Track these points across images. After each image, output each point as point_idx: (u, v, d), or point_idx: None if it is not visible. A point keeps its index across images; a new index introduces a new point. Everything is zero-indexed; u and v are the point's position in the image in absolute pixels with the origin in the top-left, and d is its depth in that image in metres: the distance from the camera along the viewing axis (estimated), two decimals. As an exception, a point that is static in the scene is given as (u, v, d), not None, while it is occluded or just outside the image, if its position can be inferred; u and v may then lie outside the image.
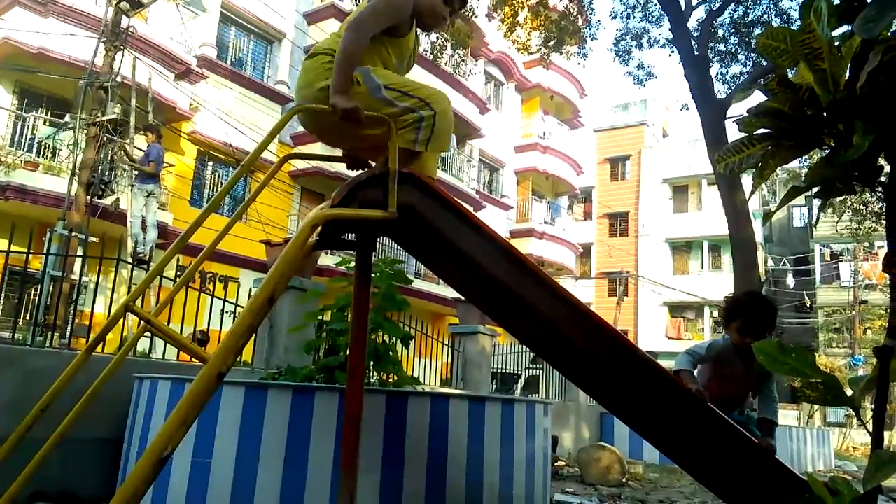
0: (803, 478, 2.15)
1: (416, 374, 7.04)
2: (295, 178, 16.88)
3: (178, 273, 9.03)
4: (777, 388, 3.31)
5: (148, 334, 5.49)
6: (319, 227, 2.18)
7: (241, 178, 2.22)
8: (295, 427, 3.09)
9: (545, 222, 24.90)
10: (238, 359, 5.75)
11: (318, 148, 16.18)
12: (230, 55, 16.70)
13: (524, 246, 22.96)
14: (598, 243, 32.75)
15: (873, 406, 1.36)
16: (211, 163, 16.15)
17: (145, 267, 8.41)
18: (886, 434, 19.37)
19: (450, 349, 9.01)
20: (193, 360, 2.62)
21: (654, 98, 34.76)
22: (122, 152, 10.21)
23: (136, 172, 9.69)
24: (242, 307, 3.71)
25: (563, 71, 24.99)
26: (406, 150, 2.33)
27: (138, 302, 5.68)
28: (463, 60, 15.40)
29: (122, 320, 5.26)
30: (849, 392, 1.45)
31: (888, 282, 1.32)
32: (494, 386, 11.14)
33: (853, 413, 1.50)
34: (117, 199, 10.64)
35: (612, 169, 33.88)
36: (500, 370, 11.77)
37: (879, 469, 1.26)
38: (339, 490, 2.58)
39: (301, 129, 16.89)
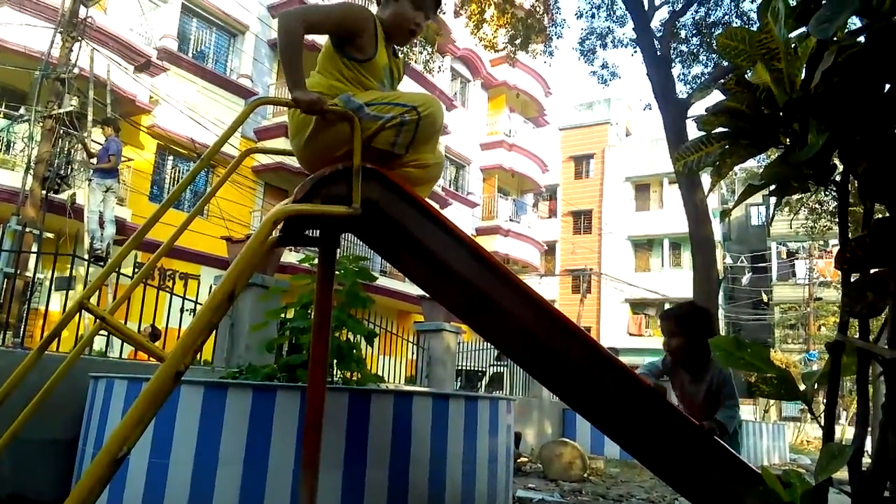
0: (758, 471, 2.20)
1: (380, 372, 7.02)
2: (258, 173, 16.65)
3: (137, 270, 8.83)
4: (735, 385, 3.27)
5: (104, 332, 5.37)
6: (281, 223, 2.15)
7: (200, 173, 2.17)
8: (255, 426, 3.04)
9: (511, 220, 25.04)
10: (198, 357, 5.67)
11: (281, 142, 16.01)
12: (192, 47, 16.39)
13: (490, 243, 23.05)
14: (563, 241, 33.06)
15: (825, 400, 1.39)
16: (171, 157, 15.83)
17: (102, 264, 8.21)
18: (838, 428, 19.96)
19: (415, 347, 9.00)
20: (151, 358, 2.56)
21: (617, 97, 35.22)
22: (81, 146, 9.95)
23: (94, 167, 9.45)
24: (202, 305, 3.64)
25: (530, 69, 25.15)
26: (385, 152, 2.31)
27: (95, 300, 5.53)
28: (431, 57, 15.36)
29: (78, 318, 5.13)
30: (802, 387, 1.48)
31: (841, 279, 1.35)
32: (459, 383, 11.16)
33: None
34: (74, 193, 10.36)
35: (576, 167, 34.22)
36: (464, 367, 11.80)
37: (830, 462, 1.29)
38: (299, 489, 2.55)
39: (265, 123, 16.72)
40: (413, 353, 9.17)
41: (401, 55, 2.68)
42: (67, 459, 3.86)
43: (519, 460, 7.63)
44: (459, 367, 10.89)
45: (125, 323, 5.38)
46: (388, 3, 2.55)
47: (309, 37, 2.31)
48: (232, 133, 2.15)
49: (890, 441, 1.24)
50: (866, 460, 1.25)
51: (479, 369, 12.48)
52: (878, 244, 1.27)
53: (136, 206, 13.66)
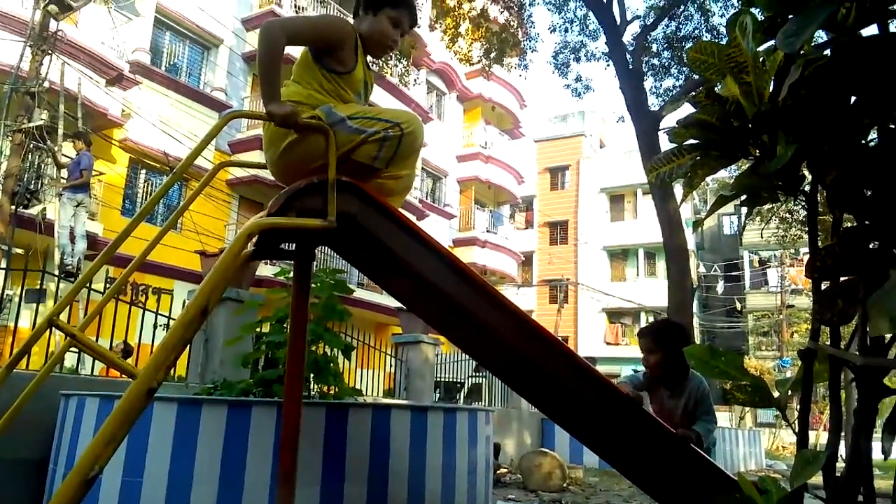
0: (734, 478, 2.22)
1: (358, 385, 6.97)
2: (233, 186, 16.51)
3: (109, 285, 8.69)
4: (712, 395, 3.29)
5: (75, 349, 5.27)
6: (255, 237, 2.13)
7: (172, 186, 2.14)
8: (231, 443, 3.00)
9: (488, 231, 25.12)
10: (172, 373, 5.57)
11: (256, 155, 15.90)
12: (165, 61, 16.24)
13: (467, 254, 23.08)
14: (540, 251, 33.25)
15: (798, 407, 1.40)
16: (144, 171, 15.64)
17: (73, 279, 8.06)
18: (812, 433, 20.24)
19: (393, 359, 8.96)
20: (124, 375, 2.52)
21: (591, 110, 35.65)
22: (52, 160, 9.78)
23: (65, 181, 9.29)
24: (175, 320, 3.61)
25: (504, 82, 25.33)
26: (364, 165, 2.30)
27: (66, 316, 5.43)
28: (406, 70, 15.41)
29: (49, 335, 5.02)
30: (776, 394, 1.50)
31: (812, 287, 1.37)
32: (438, 395, 11.12)
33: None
34: (44, 208, 10.17)
35: (552, 178, 34.49)
36: (443, 379, 11.77)
37: (804, 468, 1.30)
38: (277, 506, 2.52)
39: (239, 136, 16.61)
40: (391, 366, 9.13)
41: (372, 68, 2.69)
42: (38, 479, 3.77)
43: (498, 471, 7.61)
44: (438, 379, 10.86)
45: (97, 339, 5.28)
46: (366, 17, 2.55)
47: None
48: (205, 146, 2.13)
49: (862, 446, 1.26)
50: (840, 465, 1.27)
51: (458, 380, 12.46)
52: (847, 253, 1.29)
53: (108, 221, 13.46)
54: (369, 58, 2.66)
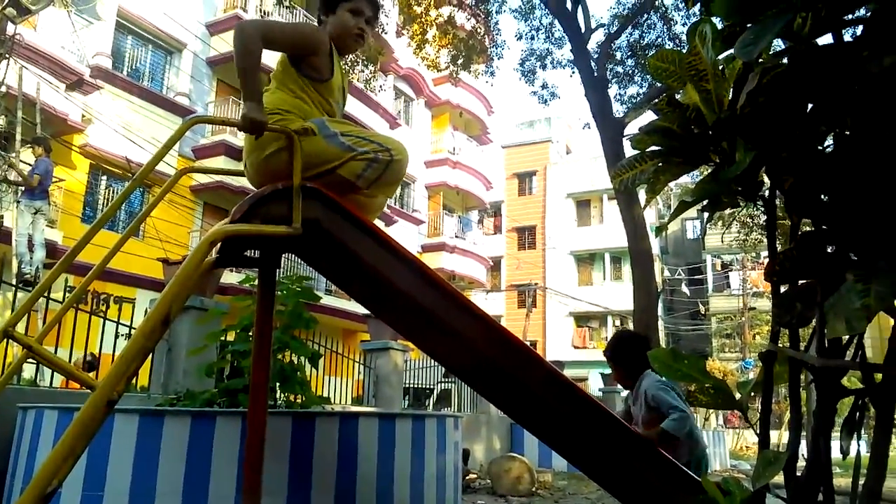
0: (698, 479, 2.25)
1: (327, 394, 6.90)
2: (197, 192, 16.26)
3: (69, 294, 8.48)
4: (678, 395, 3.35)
5: (33, 360, 5.13)
6: (219, 244, 2.10)
7: (133, 193, 2.10)
8: (194, 455, 2.94)
9: (456, 236, 25.16)
10: (134, 384, 5.44)
11: (220, 161, 15.71)
12: (127, 65, 15.95)
13: (436, 260, 23.08)
14: (508, 256, 33.43)
15: (760, 408, 1.43)
16: (105, 177, 15.32)
17: (31, 289, 7.84)
18: (775, 433, 20.67)
19: (361, 366, 8.90)
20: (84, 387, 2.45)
21: (557, 116, 36.03)
22: (9, 167, 9.51)
23: (23, 188, 9.04)
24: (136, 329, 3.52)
25: (472, 88, 25.45)
26: (346, 181, 2.31)
27: (24, 327, 5.28)
28: (373, 76, 15.37)
29: (6, 346, 4.88)
30: (738, 395, 1.52)
31: (772, 291, 1.40)
32: (407, 401, 11.09)
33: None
34: (1, 216, 9.89)
35: (519, 184, 34.74)
36: (412, 385, 11.75)
37: (766, 468, 1.32)
38: (242, 518, 2.47)
39: (203, 141, 16.39)
40: (360, 373, 9.06)
41: (345, 73, 2.69)
42: (-8, 497, 3.65)
43: (468, 477, 7.60)
44: (407, 385, 10.83)
45: (56, 350, 5.16)
46: (327, 20, 2.57)
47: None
48: (166, 152, 2.10)
49: (821, 445, 1.28)
50: (802, 464, 1.29)
51: (427, 387, 12.45)
52: (805, 257, 1.32)
53: (68, 229, 13.14)
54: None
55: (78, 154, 14.21)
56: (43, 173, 8.94)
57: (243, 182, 14.31)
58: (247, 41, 2.22)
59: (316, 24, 2.64)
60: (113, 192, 15.39)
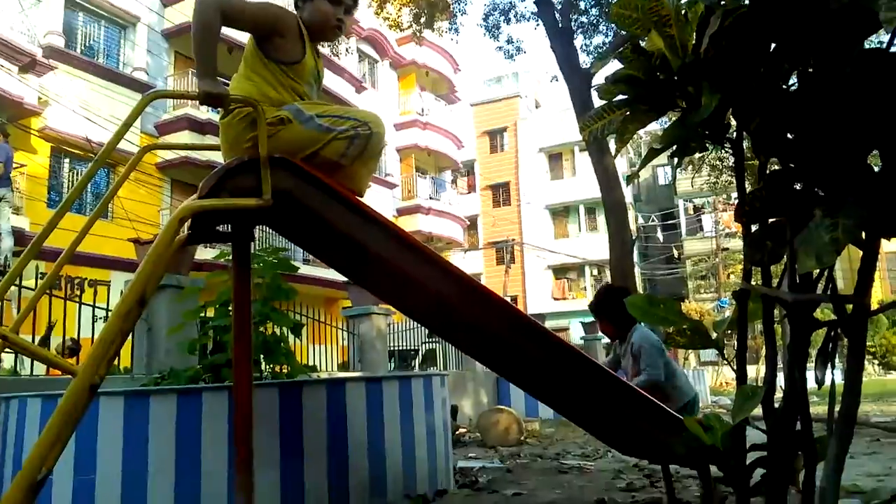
0: (681, 417, 2.31)
1: (312, 362, 6.92)
2: (163, 169, 15.95)
3: (41, 281, 8.33)
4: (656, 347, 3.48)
5: (10, 350, 5.06)
6: (188, 221, 2.07)
7: (96, 174, 2.05)
8: (184, 432, 2.94)
9: (431, 198, 25.08)
10: (117, 364, 5.40)
11: (185, 136, 15.39)
12: (80, 43, 15.41)
13: (412, 223, 23.04)
14: (484, 214, 33.47)
15: (736, 345, 1.47)
16: (68, 160, 14.94)
17: (0, 278, 7.69)
18: (752, 368, 21.25)
19: (345, 332, 8.93)
20: (65, 373, 2.43)
21: (525, 70, 35.71)
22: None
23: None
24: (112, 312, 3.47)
25: (437, 47, 25.07)
26: (331, 162, 2.29)
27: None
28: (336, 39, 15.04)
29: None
30: (714, 335, 1.56)
31: (742, 231, 1.42)
32: (393, 364, 11.18)
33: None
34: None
35: (490, 141, 34.58)
36: (397, 348, 11.83)
37: (745, 402, 1.36)
38: (236, 491, 2.49)
39: (165, 117, 16.01)
40: (344, 339, 9.10)
41: (319, 57, 2.63)
42: (-18, 489, 3.64)
43: (458, 432, 7.74)
44: (392, 348, 10.90)
45: (33, 338, 5.06)
46: (304, 6, 2.50)
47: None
48: (126, 130, 2.04)
49: (797, 377, 1.33)
50: (780, 395, 1.33)
51: (412, 348, 12.55)
52: (773, 196, 1.34)
53: (35, 215, 12.86)
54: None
55: (37, 138, 13.81)
56: (3, 160, 8.70)
57: (210, 156, 14.06)
58: (204, 15, 2.16)
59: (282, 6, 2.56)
60: (77, 175, 15.04)
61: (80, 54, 15.03)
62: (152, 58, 16.38)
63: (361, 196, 2.43)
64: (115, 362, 3.20)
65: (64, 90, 13.74)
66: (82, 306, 6.13)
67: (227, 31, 2.29)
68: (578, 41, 14.00)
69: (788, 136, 1.32)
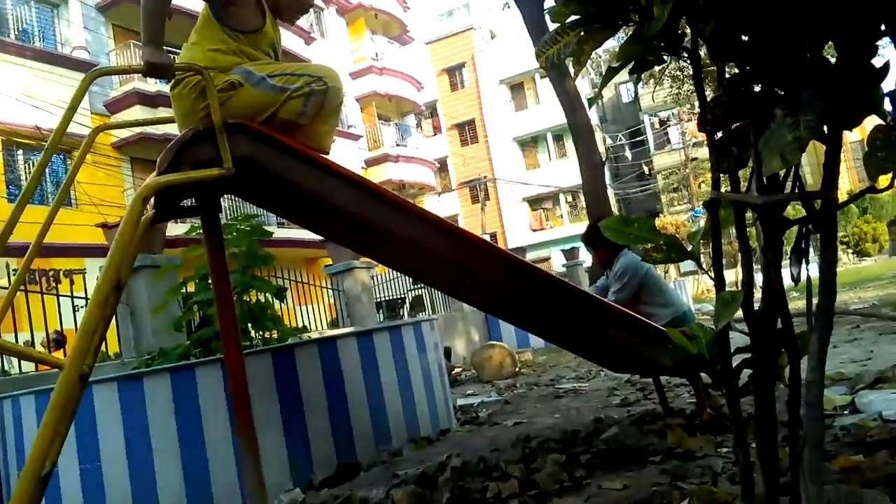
0: (664, 330, 2.36)
1: (302, 323, 6.95)
2: (119, 148, 15.50)
3: (13, 278, 8.18)
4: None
5: (-5, 352, 5.00)
6: (152, 200, 2.02)
7: (48, 162, 2.00)
8: (182, 408, 2.97)
9: (398, 145, 24.75)
10: (106, 350, 5.37)
11: (136, 111, 14.94)
12: (12, 28, 14.71)
13: (381, 172, 22.81)
14: (453, 155, 33.21)
15: (711, 254, 1.48)
16: (21, 151, 14.48)
17: (-28, 280, 7.54)
18: (731, 272, 21.73)
19: (330, 290, 8.94)
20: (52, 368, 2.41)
21: (475, 1, 34.83)
22: None
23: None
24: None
25: (381, -15, 24.34)
26: (289, 122, 2.24)
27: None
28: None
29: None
30: (689, 247, 1.57)
31: (707, 140, 1.42)
32: (381, 315, 11.26)
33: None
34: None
35: (450, 79, 34.01)
36: (384, 298, 11.89)
37: (725, 308, 1.39)
38: (242, 457, 2.53)
39: (114, 94, 15.49)
40: (330, 297, 9.12)
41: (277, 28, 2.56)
42: (-9, 490, 3.65)
43: (453, 372, 7.88)
44: (379, 300, 10.96)
45: (15, 335, 4.99)
46: None
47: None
48: (72, 113, 1.97)
49: (773, 277, 1.35)
50: (758, 296, 1.36)
51: (399, 297, 12.62)
52: (734, 101, 1.34)
53: (-5, 212, 12.54)
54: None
55: (-16, 132, 13.35)
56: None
57: (167, 129, 13.67)
58: None
59: None
60: (32, 166, 14.60)
61: (15, 39, 14.38)
62: (91, 34, 15.72)
63: (327, 153, 2.39)
64: (104, 348, 3.18)
65: (4, 79, 13.20)
66: (61, 298, 6.05)
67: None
68: (526, -36, 13.63)
69: (743, 38, 1.31)
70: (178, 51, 2.44)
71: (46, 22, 15.55)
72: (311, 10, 22.83)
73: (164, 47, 2.15)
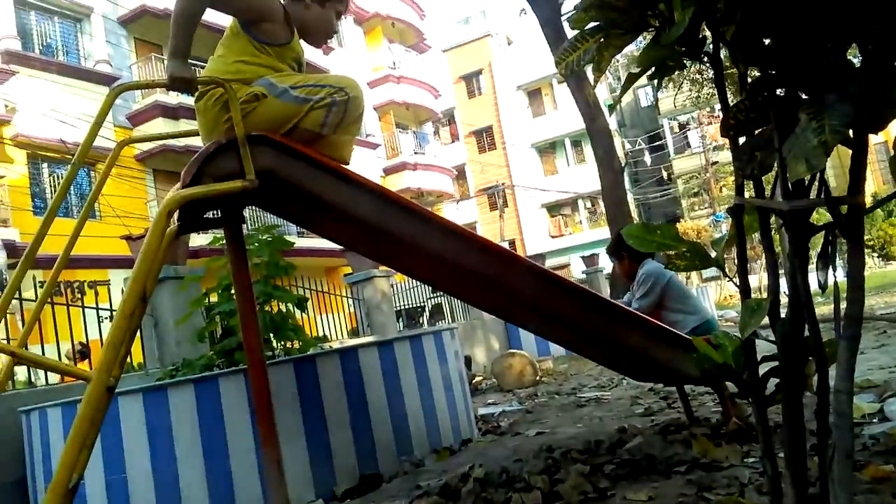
0: (690, 339, 2.33)
1: (322, 333, 6.97)
2: (142, 161, 15.73)
3: (40, 291, 8.31)
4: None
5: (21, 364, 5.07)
6: (176, 212, 2.05)
7: (76, 176, 2.03)
8: (206, 418, 2.99)
9: (416, 153, 24.83)
10: (130, 361, 5.43)
11: (158, 124, 15.14)
12: (37, 43, 15.02)
13: (399, 180, 22.88)
14: (471, 162, 33.23)
15: (736, 261, 1.47)
16: (46, 165, 14.75)
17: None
18: (754, 277, 21.46)
19: (350, 299, 8.97)
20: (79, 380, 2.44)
21: (492, 7, 34.95)
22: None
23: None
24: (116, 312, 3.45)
25: (398, -6, 24.49)
26: (312, 133, 2.27)
27: (3, 332, 5.18)
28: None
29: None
30: (713, 253, 1.56)
31: (730, 145, 1.40)
32: (402, 323, 11.27)
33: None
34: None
35: (467, 86, 34.08)
36: (403, 307, 11.91)
37: (751, 316, 1.37)
38: (265, 467, 2.54)
39: (136, 107, 15.72)
40: (350, 306, 9.15)
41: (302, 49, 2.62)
42: (20, 501, 3.70)
43: (474, 381, 7.85)
44: (398, 308, 10.98)
45: (42, 348, 5.07)
46: (312, 5, 2.50)
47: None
48: (98, 127, 2.00)
49: (800, 284, 1.33)
50: (785, 301, 1.33)
51: (418, 305, 12.62)
52: (757, 105, 1.32)
53: (23, 224, 12.76)
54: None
55: (11, 146, 13.60)
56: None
57: (189, 141, 13.84)
58: (192, 5, 2.16)
59: None
60: (57, 179, 14.86)
61: (39, 54, 14.68)
62: (113, 48, 16.00)
63: (346, 164, 2.41)
64: (128, 360, 3.22)
65: (29, 94, 13.46)
66: (86, 309, 6.14)
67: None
68: (542, -30, 13.63)
69: (765, 41, 1.30)
70: (203, 64, 2.47)
71: (70, 36, 15.85)
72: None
73: (189, 60, 2.18)
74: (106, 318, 5.78)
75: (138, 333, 4.69)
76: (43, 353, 5.24)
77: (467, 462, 2.99)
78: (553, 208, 31.91)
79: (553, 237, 31.29)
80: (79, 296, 11.13)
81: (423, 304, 12.82)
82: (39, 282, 8.67)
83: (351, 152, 2.46)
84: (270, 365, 2.78)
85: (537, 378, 7.23)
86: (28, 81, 13.81)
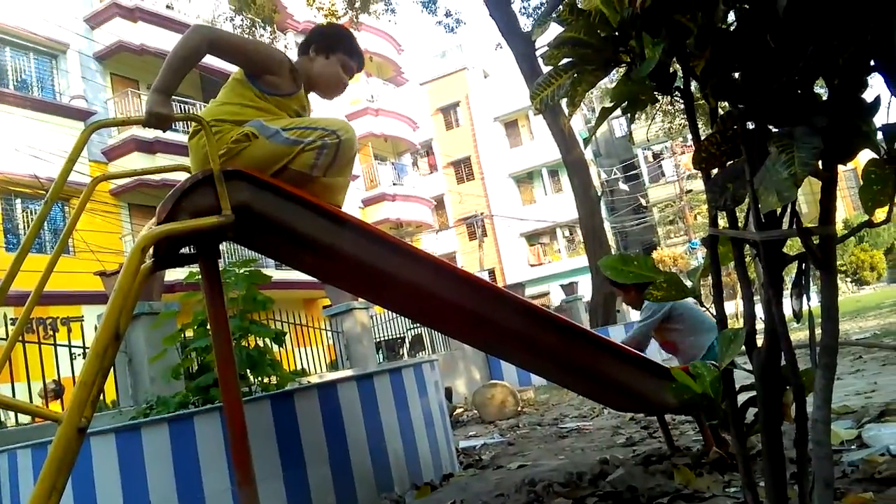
0: (667, 368, 2.34)
1: (301, 366, 6.88)
2: (117, 195, 15.57)
3: (11, 328, 8.13)
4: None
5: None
6: (150, 249, 2.02)
7: (49, 212, 2.00)
8: (181, 458, 2.91)
9: (394, 184, 24.91)
10: (103, 398, 5.30)
11: (134, 158, 15.05)
12: (11, 79, 14.92)
13: (378, 211, 22.92)
14: (449, 192, 33.42)
15: (712, 290, 1.48)
16: (20, 201, 14.54)
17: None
18: (732, 303, 21.67)
19: (329, 332, 8.89)
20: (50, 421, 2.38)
21: (468, 42, 35.54)
22: None
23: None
24: (89, 350, 3.39)
25: (376, 30, 24.71)
26: (302, 175, 2.27)
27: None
28: (273, 38, 14.74)
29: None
30: (689, 283, 1.57)
31: (703, 177, 1.43)
32: (381, 355, 11.18)
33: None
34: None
35: (445, 118, 34.45)
36: (383, 338, 11.83)
37: (728, 347, 1.38)
38: (243, 508, 2.47)
39: (111, 142, 15.62)
40: (329, 338, 9.07)
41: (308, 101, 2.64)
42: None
43: (455, 412, 7.79)
44: (378, 340, 10.90)
45: (12, 387, 4.94)
46: (317, 58, 2.54)
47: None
48: (72, 164, 1.98)
49: (774, 313, 1.34)
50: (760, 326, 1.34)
51: (398, 336, 12.55)
52: (728, 138, 1.35)
53: (-7, 261, 12.52)
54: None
55: (-17, 182, 13.42)
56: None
57: (165, 175, 13.75)
58: (191, 42, 2.19)
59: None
60: (30, 214, 14.65)
61: (14, 90, 14.58)
62: (88, 84, 15.93)
63: (340, 207, 2.41)
64: (101, 397, 3.15)
65: (3, 129, 13.33)
66: (58, 347, 6.01)
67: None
68: (517, 4, 13.95)
69: (735, 76, 1.33)
70: (187, 101, 2.48)
71: (45, 72, 15.78)
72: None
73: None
74: (79, 356, 5.67)
75: (111, 370, 4.59)
76: (13, 393, 5.10)
77: (448, 498, 2.94)
78: (532, 237, 32.12)
79: (532, 266, 31.44)
80: (51, 332, 10.91)
81: (403, 335, 12.75)
82: (11, 319, 8.49)
83: (344, 197, 2.46)
84: (247, 402, 2.73)
85: (519, 409, 7.18)
86: (2, 117, 13.69)
